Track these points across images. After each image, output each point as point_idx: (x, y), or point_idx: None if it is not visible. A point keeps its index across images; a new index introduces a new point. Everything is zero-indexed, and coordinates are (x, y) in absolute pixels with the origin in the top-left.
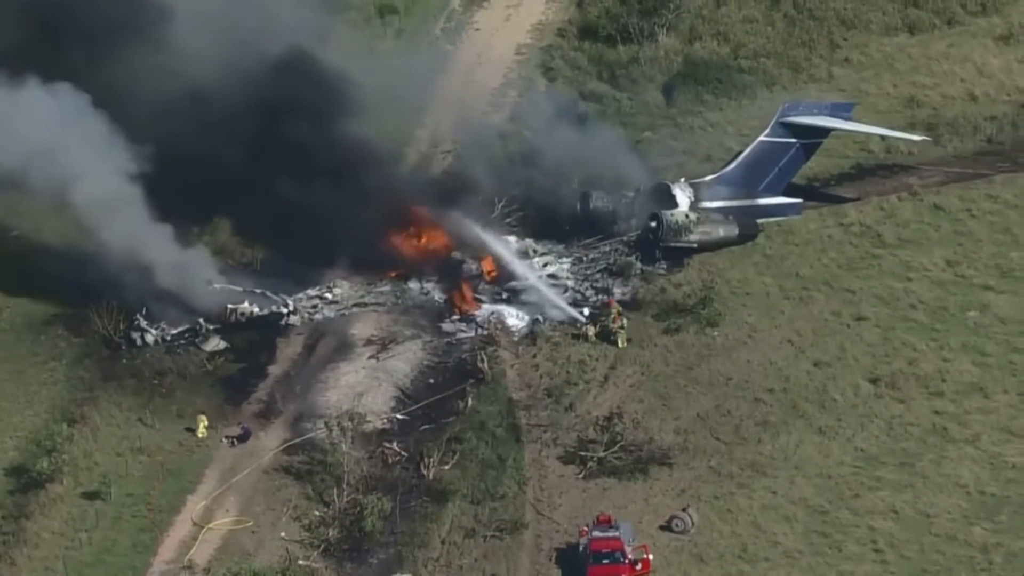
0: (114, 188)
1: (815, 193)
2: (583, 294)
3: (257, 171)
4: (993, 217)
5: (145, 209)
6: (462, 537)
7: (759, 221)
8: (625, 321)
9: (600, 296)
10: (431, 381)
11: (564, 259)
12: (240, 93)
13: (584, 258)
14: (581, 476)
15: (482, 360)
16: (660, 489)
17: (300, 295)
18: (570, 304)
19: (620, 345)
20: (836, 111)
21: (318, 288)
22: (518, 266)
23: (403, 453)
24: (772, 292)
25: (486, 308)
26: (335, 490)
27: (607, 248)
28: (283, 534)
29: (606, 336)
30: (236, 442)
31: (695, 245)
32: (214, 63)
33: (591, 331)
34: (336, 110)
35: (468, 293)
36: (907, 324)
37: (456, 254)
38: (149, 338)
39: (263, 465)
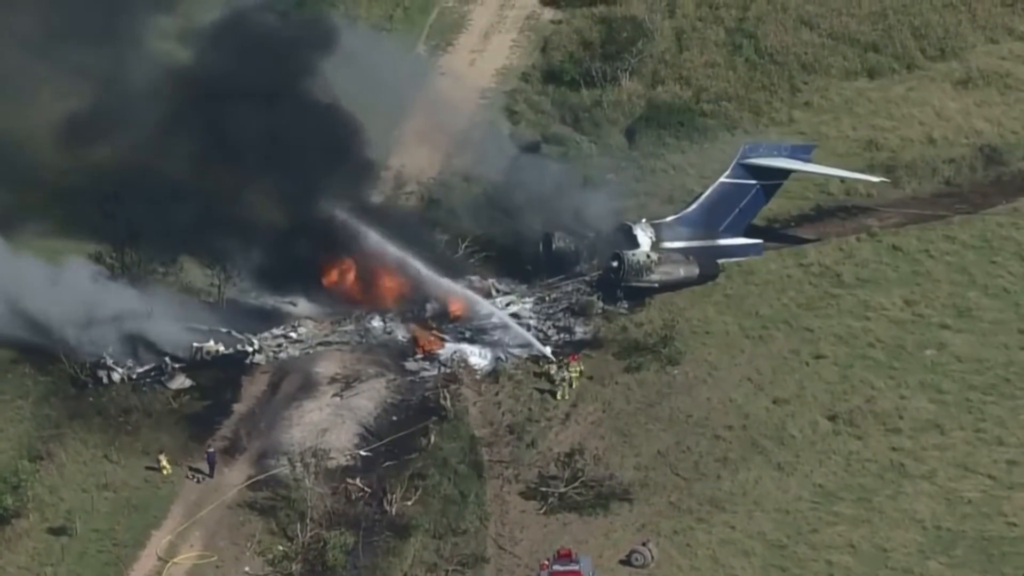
0: None
1: (775, 234)
2: (545, 333)
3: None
4: (951, 258)
5: None
6: (424, 571)
7: (719, 261)
8: (573, 373)
9: (563, 335)
10: (394, 418)
11: (527, 299)
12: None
13: (546, 298)
14: (542, 511)
15: (445, 397)
16: (620, 524)
17: (265, 334)
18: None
19: (559, 397)
20: (796, 153)
21: (283, 327)
22: (484, 306)
23: (366, 489)
24: (732, 331)
25: (449, 347)
26: (299, 525)
27: (569, 288)
28: (247, 569)
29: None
30: (200, 475)
31: (656, 285)
32: None
33: (554, 370)
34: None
35: (431, 332)
36: (865, 362)
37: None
38: (115, 376)
39: (227, 501)
